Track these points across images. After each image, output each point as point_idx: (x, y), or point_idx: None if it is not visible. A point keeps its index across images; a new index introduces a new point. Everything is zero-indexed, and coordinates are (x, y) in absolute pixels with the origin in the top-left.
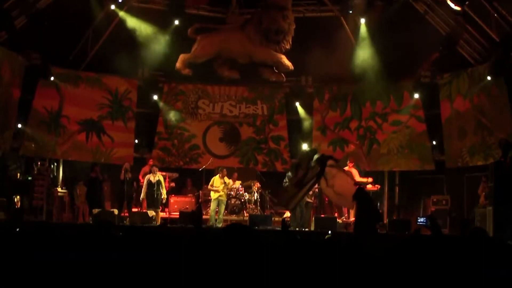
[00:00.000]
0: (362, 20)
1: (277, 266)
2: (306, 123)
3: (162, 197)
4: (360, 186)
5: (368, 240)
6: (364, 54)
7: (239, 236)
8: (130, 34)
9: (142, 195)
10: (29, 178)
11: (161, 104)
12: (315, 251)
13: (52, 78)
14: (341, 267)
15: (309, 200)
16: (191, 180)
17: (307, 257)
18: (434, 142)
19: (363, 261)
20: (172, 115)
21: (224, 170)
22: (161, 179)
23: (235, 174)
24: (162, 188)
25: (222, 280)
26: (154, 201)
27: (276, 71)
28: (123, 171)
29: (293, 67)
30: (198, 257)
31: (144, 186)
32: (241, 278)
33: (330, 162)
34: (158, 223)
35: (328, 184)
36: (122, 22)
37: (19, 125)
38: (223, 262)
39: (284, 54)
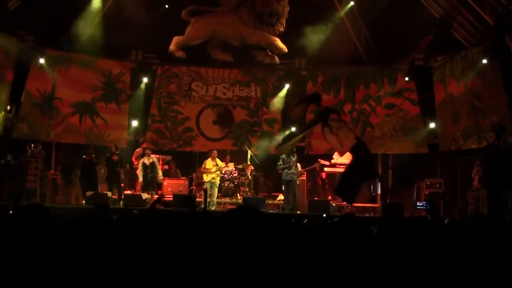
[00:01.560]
0: (351, 3)
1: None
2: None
3: (159, 177)
4: (361, 139)
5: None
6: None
7: (249, 220)
8: (124, 16)
9: (140, 179)
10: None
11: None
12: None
13: (43, 61)
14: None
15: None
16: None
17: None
18: (433, 125)
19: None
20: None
21: (215, 151)
22: (155, 160)
23: (228, 157)
24: (158, 169)
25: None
26: (148, 183)
27: (269, 53)
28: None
29: (287, 50)
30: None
31: (139, 170)
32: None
33: (333, 115)
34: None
35: (333, 132)
36: (116, 4)
37: (9, 108)
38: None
39: (277, 36)
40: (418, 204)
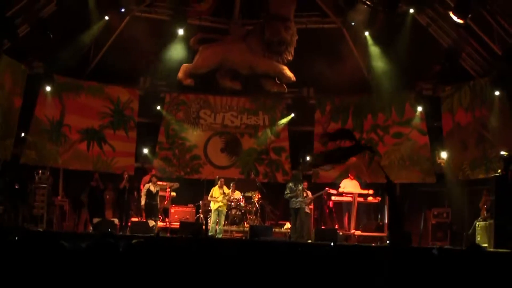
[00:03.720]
0: (366, 33)
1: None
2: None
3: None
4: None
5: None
6: (378, 65)
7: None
8: (133, 44)
9: (142, 202)
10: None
11: (164, 113)
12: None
13: (49, 88)
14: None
15: (307, 210)
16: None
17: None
18: (445, 155)
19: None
20: (177, 125)
21: (222, 179)
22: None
23: (233, 185)
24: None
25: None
26: (153, 210)
27: (278, 82)
28: (124, 180)
29: (295, 78)
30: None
31: (143, 196)
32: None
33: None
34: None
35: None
36: (124, 32)
37: (23, 134)
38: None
39: (286, 65)
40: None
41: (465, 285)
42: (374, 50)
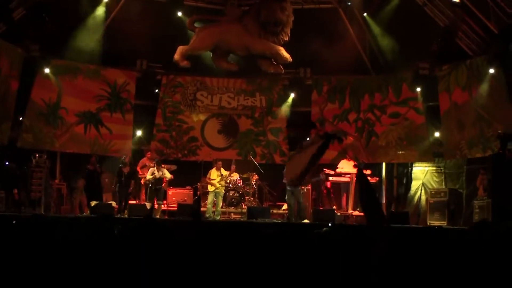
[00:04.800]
0: (365, 14)
1: (277, 258)
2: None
3: (163, 187)
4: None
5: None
6: (375, 45)
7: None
8: (129, 26)
9: (146, 178)
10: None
11: (161, 95)
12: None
13: (48, 70)
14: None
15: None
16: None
17: (307, 250)
18: (437, 134)
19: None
20: (174, 107)
21: (219, 162)
22: (164, 172)
23: (233, 167)
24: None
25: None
26: (154, 194)
27: (274, 63)
28: (127, 164)
29: (291, 59)
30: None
31: (149, 180)
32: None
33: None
34: (158, 215)
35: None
36: (120, 13)
37: (21, 118)
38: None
39: (282, 46)
40: None
41: (476, 263)
42: (371, 30)
